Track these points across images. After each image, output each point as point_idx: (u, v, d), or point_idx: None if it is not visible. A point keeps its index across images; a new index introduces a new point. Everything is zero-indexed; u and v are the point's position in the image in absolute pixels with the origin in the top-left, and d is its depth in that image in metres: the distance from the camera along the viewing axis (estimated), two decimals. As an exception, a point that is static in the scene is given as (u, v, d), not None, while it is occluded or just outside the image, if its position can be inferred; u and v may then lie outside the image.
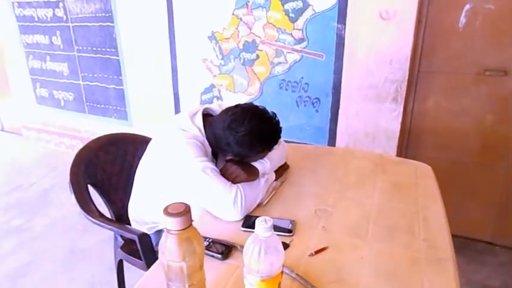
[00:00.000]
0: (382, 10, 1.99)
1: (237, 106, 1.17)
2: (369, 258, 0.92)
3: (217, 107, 1.28)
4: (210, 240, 0.96)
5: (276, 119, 1.18)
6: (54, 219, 2.60)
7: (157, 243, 1.06)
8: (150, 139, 1.37)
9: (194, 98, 2.81)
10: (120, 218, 1.51)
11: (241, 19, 2.42)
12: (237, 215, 1.08)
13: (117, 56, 3.03)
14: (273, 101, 2.47)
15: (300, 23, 2.23)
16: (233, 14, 2.44)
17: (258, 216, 0.70)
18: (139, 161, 1.36)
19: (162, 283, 0.74)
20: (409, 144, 2.26)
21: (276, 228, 0.98)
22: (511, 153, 2.05)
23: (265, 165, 1.22)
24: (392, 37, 2.01)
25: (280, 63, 2.38)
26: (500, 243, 2.21)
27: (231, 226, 1.06)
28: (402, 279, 0.85)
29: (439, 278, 0.85)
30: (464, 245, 2.19)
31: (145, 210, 1.35)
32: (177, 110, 2.93)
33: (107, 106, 3.31)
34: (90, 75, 3.27)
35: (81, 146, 1.55)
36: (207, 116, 1.25)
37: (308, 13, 2.19)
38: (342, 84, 2.22)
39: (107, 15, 2.94)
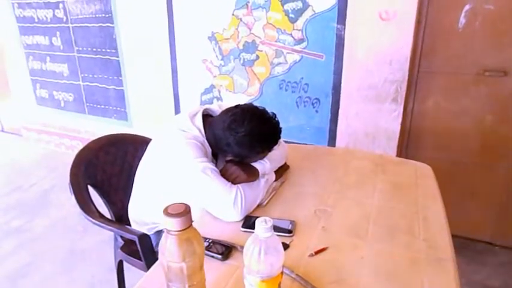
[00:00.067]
0: (382, 11, 1.99)
1: (236, 107, 1.17)
2: (369, 258, 0.92)
3: (217, 108, 1.28)
4: (210, 241, 0.96)
5: (276, 119, 1.18)
6: (54, 220, 2.60)
7: (157, 244, 1.06)
8: (150, 140, 1.37)
9: (194, 99, 2.82)
10: (120, 218, 1.51)
11: (241, 20, 2.42)
12: (237, 216, 1.08)
13: (117, 56, 3.03)
14: (272, 102, 2.47)
15: (300, 23, 2.23)
16: (233, 14, 2.44)
17: (258, 217, 0.71)
18: (139, 161, 1.36)
19: (162, 284, 0.74)
20: (409, 145, 2.27)
21: (276, 228, 0.98)
22: (510, 153, 2.05)
23: (265, 165, 1.22)
24: (392, 37, 2.01)
25: (280, 63, 2.38)
26: (500, 244, 2.21)
27: (231, 227, 1.06)
28: (402, 279, 0.85)
29: (439, 278, 0.85)
30: (464, 245, 2.19)
31: (145, 211, 1.35)
32: (177, 111, 2.93)
33: (107, 107, 3.31)
34: (90, 76, 3.27)
35: (81, 146, 1.55)
36: (207, 116, 1.25)
37: (308, 13, 2.19)
38: (342, 85, 2.23)
39: (107, 16, 2.94)
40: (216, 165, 1.18)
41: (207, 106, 1.29)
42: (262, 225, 0.68)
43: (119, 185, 1.56)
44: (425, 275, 0.86)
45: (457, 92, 2.06)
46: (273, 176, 1.27)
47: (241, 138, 1.11)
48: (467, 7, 1.91)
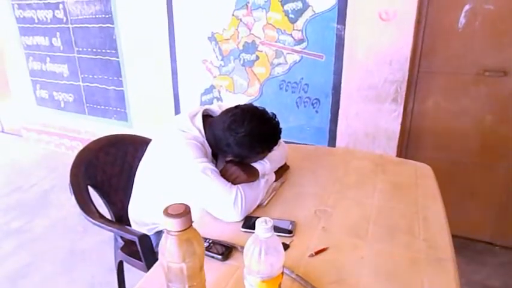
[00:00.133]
0: (382, 11, 1.99)
1: (236, 107, 1.17)
2: (369, 258, 0.92)
3: (217, 108, 1.28)
4: (210, 241, 0.96)
5: (276, 119, 1.18)
6: (54, 221, 2.60)
7: (157, 244, 1.06)
8: (150, 140, 1.37)
9: (194, 99, 2.82)
10: (120, 219, 1.51)
11: (241, 20, 2.43)
12: (237, 216, 1.08)
13: (117, 57, 3.03)
14: (272, 102, 2.47)
15: (300, 23, 2.23)
16: (233, 15, 2.44)
17: (258, 217, 0.71)
18: (139, 162, 1.36)
19: (162, 284, 0.74)
20: (409, 145, 2.27)
21: (276, 229, 0.98)
22: (510, 153, 2.05)
23: (265, 166, 1.22)
24: (392, 38, 2.01)
25: (280, 64, 2.38)
26: (500, 244, 2.21)
27: (231, 227, 1.06)
28: (402, 279, 0.85)
29: (439, 278, 0.85)
30: (464, 245, 2.19)
31: (145, 211, 1.35)
32: (177, 111, 2.93)
33: (107, 107, 3.31)
34: (90, 76, 3.27)
35: (81, 147, 1.55)
36: (207, 117, 1.25)
37: (308, 14, 2.19)
38: (342, 85, 2.23)
39: (107, 16, 2.94)
40: (216, 166, 1.18)
41: (207, 106, 1.29)
42: (262, 225, 0.68)
43: (118, 185, 1.56)
44: (425, 275, 0.86)
45: (457, 92, 2.07)
46: (273, 177, 1.27)
47: (241, 139, 1.11)
48: (467, 7, 1.91)
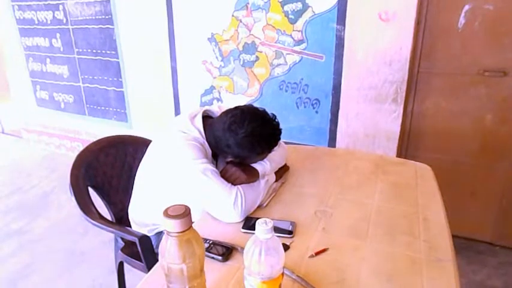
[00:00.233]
0: (382, 11, 1.99)
1: (236, 108, 1.17)
2: (369, 259, 0.92)
3: (217, 109, 1.28)
4: (211, 242, 0.96)
5: (276, 120, 1.18)
6: (54, 222, 2.60)
7: (157, 245, 1.06)
8: (150, 141, 1.37)
9: (194, 100, 2.82)
10: (121, 220, 1.51)
11: (240, 21, 2.43)
12: (237, 217, 1.08)
13: (117, 58, 3.04)
14: (272, 103, 2.47)
15: (300, 24, 2.23)
16: (233, 15, 2.44)
17: (258, 218, 0.71)
18: (139, 163, 1.36)
19: (162, 285, 0.74)
20: (409, 145, 2.27)
21: (276, 229, 0.99)
22: (510, 154, 2.05)
23: (265, 166, 1.22)
24: (392, 38, 2.02)
25: (279, 64, 2.38)
26: (500, 244, 2.21)
27: (232, 228, 1.06)
28: (402, 280, 0.85)
29: (440, 279, 0.85)
30: (465, 245, 2.19)
31: (145, 212, 1.35)
32: (177, 112, 2.93)
33: (107, 108, 3.31)
34: (90, 77, 3.28)
35: (81, 148, 1.56)
36: (207, 118, 1.25)
37: (307, 14, 2.19)
38: (342, 85, 2.23)
39: (107, 17, 2.95)
40: (216, 167, 1.18)
41: (207, 107, 1.29)
42: (262, 226, 0.68)
43: (119, 186, 1.57)
44: (425, 275, 0.86)
45: (457, 92, 2.07)
46: (273, 177, 1.28)
47: (242, 140, 1.11)
48: (466, 7, 1.91)
